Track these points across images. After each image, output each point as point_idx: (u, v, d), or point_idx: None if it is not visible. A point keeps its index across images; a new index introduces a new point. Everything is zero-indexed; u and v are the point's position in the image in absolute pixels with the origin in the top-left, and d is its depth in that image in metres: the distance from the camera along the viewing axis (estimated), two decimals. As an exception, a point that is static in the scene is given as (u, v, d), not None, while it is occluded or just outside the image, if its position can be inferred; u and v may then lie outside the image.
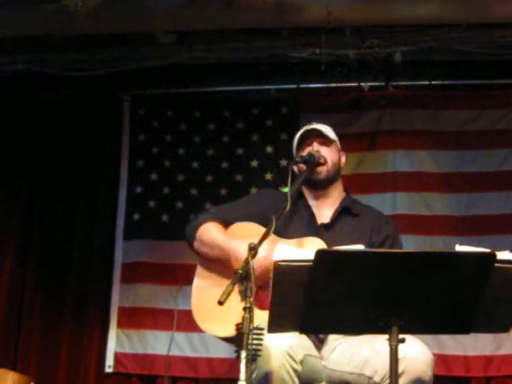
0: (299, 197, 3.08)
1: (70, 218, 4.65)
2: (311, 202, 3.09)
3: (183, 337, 4.31)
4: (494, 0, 3.80)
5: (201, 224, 3.02)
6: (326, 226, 3.02)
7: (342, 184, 3.18)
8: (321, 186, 3.08)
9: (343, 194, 3.15)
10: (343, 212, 3.07)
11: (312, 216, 3.05)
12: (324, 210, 3.08)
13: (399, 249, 3.03)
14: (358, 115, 4.51)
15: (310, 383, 2.68)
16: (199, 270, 3.03)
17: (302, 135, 3.10)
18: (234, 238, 2.95)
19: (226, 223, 3.04)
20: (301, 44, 4.20)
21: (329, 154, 3.06)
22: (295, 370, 2.52)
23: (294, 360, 2.52)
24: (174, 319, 3.34)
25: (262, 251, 2.62)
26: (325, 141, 3.09)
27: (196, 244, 3.02)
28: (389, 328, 2.11)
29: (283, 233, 2.92)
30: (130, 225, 4.60)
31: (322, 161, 3.02)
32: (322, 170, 3.03)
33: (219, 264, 2.93)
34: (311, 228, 3.00)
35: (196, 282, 3.01)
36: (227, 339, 2.79)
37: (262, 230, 2.86)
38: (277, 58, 4.30)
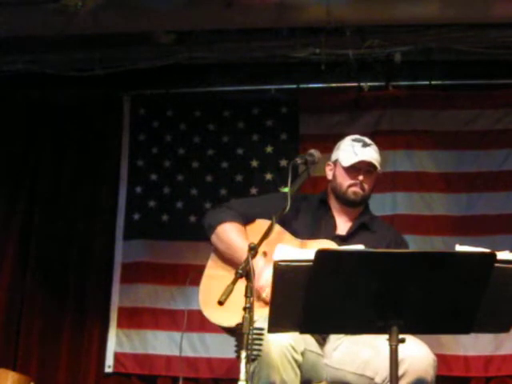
0: (324, 204, 3.14)
1: (70, 218, 4.64)
2: (335, 212, 3.13)
3: (183, 337, 4.30)
4: (494, 0, 3.79)
5: (223, 221, 3.04)
6: (342, 238, 3.05)
7: None
8: (352, 206, 3.12)
9: (362, 208, 3.18)
10: (361, 227, 3.11)
11: (333, 226, 3.09)
12: (344, 222, 3.12)
13: None
14: (358, 115, 4.50)
15: (310, 381, 2.69)
16: (212, 259, 3.07)
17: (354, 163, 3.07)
18: (254, 234, 2.95)
19: (247, 219, 3.07)
20: (301, 44, 4.20)
21: (369, 185, 3.10)
22: (296, 361, 2.54)
23: (296, 350, 2.54)
24: (185, 319, 3.36)
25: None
26: (372, 169, 3.10)
27: (214, 238, 3.05)
28: (389, 328, 2.11)
29: (301, 235, 2.97)
30: (130, 225, 4.60)
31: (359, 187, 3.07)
32: (358, 194, 3.07)
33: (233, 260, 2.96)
34: (328, 236, 3.02)
35: (207, 270, 3.04)
36: (229, 329, 2.79)
37: (280, 229, 2.93)
38: (277, 58, 4.30)
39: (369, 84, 4.41)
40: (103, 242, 4.61)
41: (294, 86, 4.56)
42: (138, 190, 4.66)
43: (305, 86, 4.56)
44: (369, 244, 2.99)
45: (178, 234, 4.51)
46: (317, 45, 4.13)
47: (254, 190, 4.47)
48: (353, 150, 3.08)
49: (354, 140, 3.13)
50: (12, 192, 4.69)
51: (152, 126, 4.73)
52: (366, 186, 3.08)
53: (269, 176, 4.51)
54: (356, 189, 3.06)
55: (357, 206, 3.14)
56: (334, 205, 3.14)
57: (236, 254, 2.92)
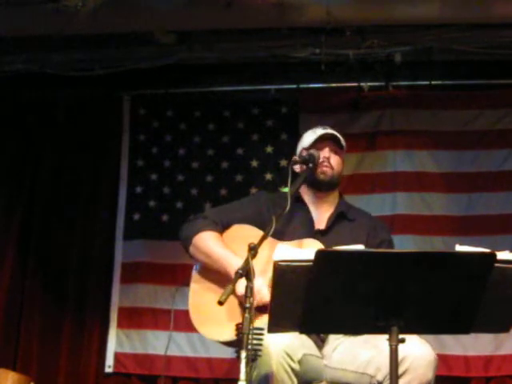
0: (298, 200, 3.08)
1: (70, 218, 4.64)
2: (310, 206, 3.10)
3: (183, 337, 4.31)
4: (494, 0, 3.80)
5: (199, 231, 3.00)
6: (322, 232, 3.02)
7: (338, 188, 3.20)
8: (324, 189, 3.08)
9: (337, 198, 3.16)
10: (339, 217, 3.08)
11: (311, 220, 3.06)
12: (321, 215, 3.09)
13: None
14: (358, 115, 4.50)
15: (310, 383, 2.68)
16: (195, 274, 3.02)
17: (317, 138, 3.08)
18: (230, 239, 2.96)
19: (223, 226, 3.04)
20: (301, 44, 4.20)
21: (336, 163, 3.08)
22: (293, 369, 2.53)
23: (292, 359, 2.52)
24: (171, 319, 3.34)
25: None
26: (336, 149, 3.10)
27: (192, 249, 3.02)
28: (389, 328, 2.11)
29: (281, 236, 2.91)
30: (130, 225, 4.60)
31: (326, 164, 3.04)
32: (327, 172, 3.04)
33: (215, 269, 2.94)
34: (309, 232, 3.00)
35: (193, 286, 3.00)
36: (226, 343, 2.79)
37: (258, 232, 2.87)
38: (277, 58, 4.30)
39: (369, 84, 4.41)
40: (103, 242, 4.61)
41: (294, 86, 4.56)
42: (138, 189, 4.66)
43: (305, 86, 4.56)
44: (348, 233, 3.00)
45: (178, 234, 4.51)
46: (317, 45, 4.13)
47: (253, 190, 4.47)
48: (314, 134, 3.10)
49: (314, 128, 3.17)
50: (12, 192, 4.69)
51: (152, 126, 4.73)
52: (333, 163, 3.05)
53: (269, 176, 4.51)
54: (324, 168, 3.03)
55: (329, 189, 3.10)
56: (308, 199, 3.10)
57: (216, 263, 2.90)
